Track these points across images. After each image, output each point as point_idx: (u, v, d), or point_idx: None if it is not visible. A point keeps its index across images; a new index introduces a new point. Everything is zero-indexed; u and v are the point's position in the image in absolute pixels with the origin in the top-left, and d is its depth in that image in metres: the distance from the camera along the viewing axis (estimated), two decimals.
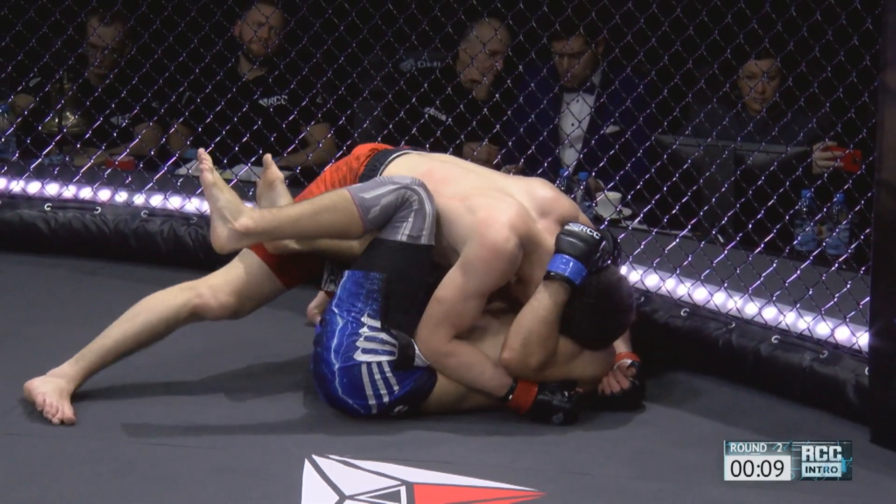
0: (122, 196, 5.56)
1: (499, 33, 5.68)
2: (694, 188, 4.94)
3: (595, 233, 4.14)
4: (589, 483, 3.80)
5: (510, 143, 5.36)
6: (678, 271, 4.78)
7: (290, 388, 4.37)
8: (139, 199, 5.54)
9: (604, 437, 4.11)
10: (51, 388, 4.09)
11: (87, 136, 5.75)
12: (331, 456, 3.86)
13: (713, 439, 4.10)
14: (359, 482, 3.73)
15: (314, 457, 3.84)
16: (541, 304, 4.10)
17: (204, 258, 5.41)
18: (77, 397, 4.16)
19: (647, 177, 5.03)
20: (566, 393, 4.14)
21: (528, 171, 5.37)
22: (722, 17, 4.89)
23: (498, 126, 5.46)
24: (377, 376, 4.08)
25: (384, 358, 4.09)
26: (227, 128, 5.57)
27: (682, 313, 4.68)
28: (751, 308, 4.57)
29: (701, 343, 4.60)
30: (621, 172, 5.17)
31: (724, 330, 4.56)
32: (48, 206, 5.54)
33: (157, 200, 5.53)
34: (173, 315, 4.23)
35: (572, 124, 5.69)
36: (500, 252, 4.06)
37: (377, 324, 4.10)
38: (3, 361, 4.45)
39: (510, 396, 4.14)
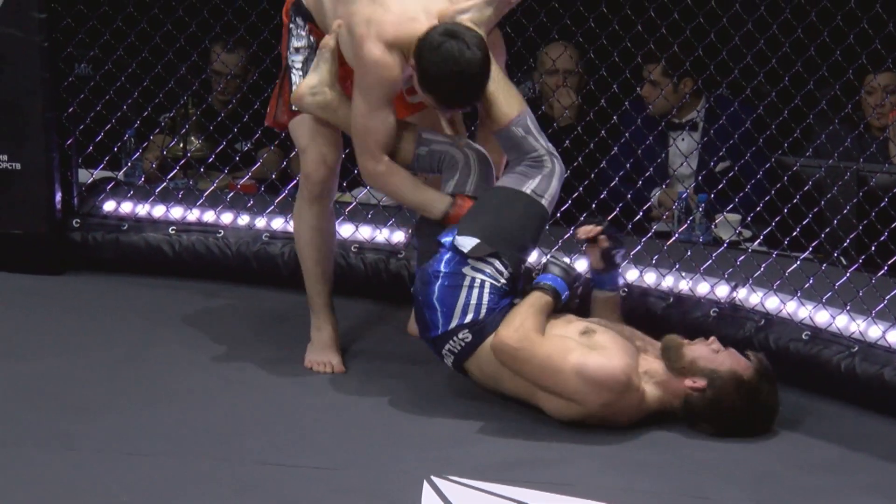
0: (244, 219, 5.62)
1: (571, 54, 5.72)
2: (815, 210, 4.89)
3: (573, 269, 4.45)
4: None
5: (615, 182, 5.33)
6: (799, 294, 4.72)
7: (405, 406, 4.38)
8: (261, 223, 5.59)
9: (723, 459, 4.07)
10: (314, 351, 4.63)
11: (211, 160, 5.84)
12: (450, 477, 3.86)
13: (836, 464, 4.05)
14: None
15: (433, 478, 3.85)
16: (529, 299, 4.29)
17: None
18: (196, 416, 4.22)
19: (766, 199, 4.99)
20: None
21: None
22: (844, 38, 4.83)
23: (597, 169, 5.40)
24: (475, 291, 4.27)
25: (489, 280, 4.28)
26: (347, 151, 5.60)
27: (803, 336, 4.62)
28: (874, 331, 4.50)
29: (823, 367, 4.53)
30: (740, 195, 5.12)
31: (847, 354, 4.50)
32: (172, 230, 5.61)
33: (278, 223, 5.58)
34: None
35: (681, 163, 5.67)
36: (376, 65, 4.26)
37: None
38: (128, 382, 4.51)
39: (449, 214, 4.38)
